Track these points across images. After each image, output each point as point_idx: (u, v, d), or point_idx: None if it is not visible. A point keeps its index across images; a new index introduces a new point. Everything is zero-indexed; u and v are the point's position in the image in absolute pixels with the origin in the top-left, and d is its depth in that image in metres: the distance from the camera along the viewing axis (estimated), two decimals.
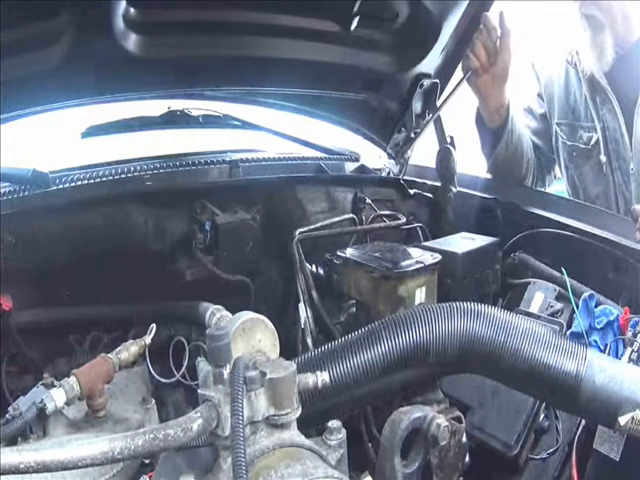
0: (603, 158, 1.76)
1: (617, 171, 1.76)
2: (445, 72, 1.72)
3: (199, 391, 0.70)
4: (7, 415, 0.88)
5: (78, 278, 1.33)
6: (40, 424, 0.88)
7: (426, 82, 1.71)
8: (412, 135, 1.82)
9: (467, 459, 1.01)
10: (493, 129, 1.77)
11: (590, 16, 1.64)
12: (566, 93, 1.85)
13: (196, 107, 1.79)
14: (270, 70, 1.54)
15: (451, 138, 1.74)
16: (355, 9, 1.44)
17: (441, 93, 1.76)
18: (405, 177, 1.88)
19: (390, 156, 1.93)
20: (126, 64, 1.32)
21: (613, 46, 1.67)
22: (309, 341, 1.36)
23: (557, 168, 1.98)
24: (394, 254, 1.30)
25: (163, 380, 1.23)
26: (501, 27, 1.63)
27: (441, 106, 1.74)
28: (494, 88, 1.70)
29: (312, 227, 1.52)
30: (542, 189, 1.98)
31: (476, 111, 1.82)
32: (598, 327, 1.17)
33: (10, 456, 0.56)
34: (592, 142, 1.78)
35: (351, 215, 1.66)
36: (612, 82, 1.72)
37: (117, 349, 0.99)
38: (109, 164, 1.70)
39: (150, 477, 0.81)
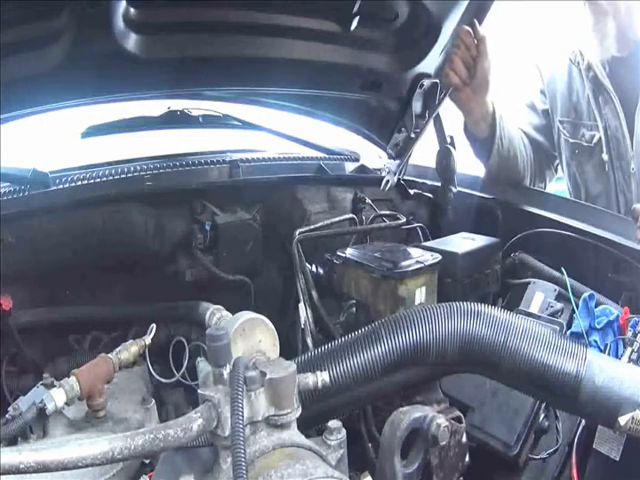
0: (605, 157, 1.76)
1: (618, 170, 1.76)
2: None
3: (199, 391, 0.70)
4: (7, 415, 0.88)
5: (78, 278, 1.33)
6: (40, 424, 0.89)
7: (426, 82, 1.71)
8: (412, 135, 1.82)
9: (467, 459, 1.01)
10: (482, 139, 1.75)
11: (594, 3, 1.64)
12: (569, 92, 1.84)
13: (196, 107, 1.80)
14: (270, 70, 1.54)
15: (451, 138, 1.73)
16: (355, 9, 1.44)
17: (441, 93, 1.75)
18: (405, 177, 1.88)
19: (390, 156, 1.93)
20: (126, 64, 1.31)
21: (615, 35, 1.65)
22: (309, 341, 1.36)
23: (557, 164, 1.98)
24: (394, 254, 1.30)
25: (163, 380, 1.23)
26: (475, 36, 1.60)
27: (434, 113, 1.72)
28: (477, 99, 1.68)
29: (312, 227, 1.52)
30: (542, 185, 1.97)
31: (463, 122, 1.79)
32: (598, 327, 1.17)
33: (10, 456, 0.56)
34: (594, 140, 1.78)
35: (351, 215, 1.65)
36: (614, 82, 1.72)
37: (117, 349, 1.00)
38: (109, 164, 1.70)
39: (150, 477, 0.81)
